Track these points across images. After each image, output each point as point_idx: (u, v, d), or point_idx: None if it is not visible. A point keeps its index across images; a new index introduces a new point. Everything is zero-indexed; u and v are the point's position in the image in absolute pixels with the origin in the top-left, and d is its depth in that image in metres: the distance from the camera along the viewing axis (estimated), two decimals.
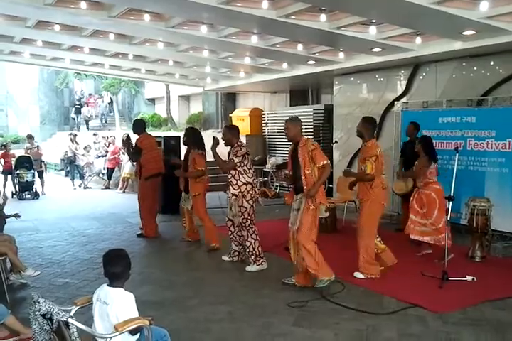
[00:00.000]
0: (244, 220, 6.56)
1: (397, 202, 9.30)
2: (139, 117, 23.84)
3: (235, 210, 6.66)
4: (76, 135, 17.87)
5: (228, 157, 6.74)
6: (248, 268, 6.56)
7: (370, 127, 6.19)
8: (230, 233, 6.94)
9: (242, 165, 6.55)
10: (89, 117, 26.84)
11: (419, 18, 6.95)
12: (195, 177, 7.66)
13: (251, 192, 6.56)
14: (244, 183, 6.54)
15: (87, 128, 26.13)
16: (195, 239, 8.25)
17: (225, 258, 7.03)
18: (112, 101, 27.83)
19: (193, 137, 7.90)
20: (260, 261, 6.57)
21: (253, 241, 6.57)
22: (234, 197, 6.59)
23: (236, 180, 6.55)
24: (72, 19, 8.23)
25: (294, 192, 5.75)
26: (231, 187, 6.59)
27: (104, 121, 27.84)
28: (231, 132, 6.80)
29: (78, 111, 26.87)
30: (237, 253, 6.99)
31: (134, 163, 9.30)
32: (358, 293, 5.55)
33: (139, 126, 8.86)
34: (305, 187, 5.48)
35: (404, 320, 4.84)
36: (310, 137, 10.12)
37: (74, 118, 27.36)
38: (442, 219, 6.54)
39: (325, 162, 5.47)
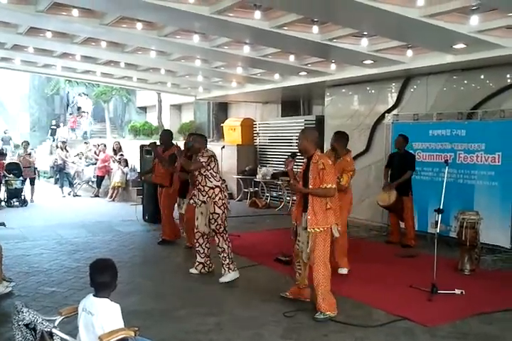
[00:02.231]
0: (218, 226, 6.38)
1: (386, 214, 9.30)
2: (132, 126, 23.78)
3: (204, 219, 6.46)
4: (65, 142, 17.81)
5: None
6: (223, 280, 6.37)
7: (344, 142, 6.63)
8: (197, 245, 6.72)
9: (209, 168, 6.39)
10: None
11: (410, 30, 7.02)
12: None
13: (220, 196, 6.39)
14: (211, 188, 6.38)
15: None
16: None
17: (192, 271, 6.84)
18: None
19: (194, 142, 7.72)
20: (233, 268, 6.43)
21: (226, 247, 6.43)
22: (202, 205, 6.42)
23: (203, 186, 6.39)
24: (64, 26, 8.24)
25: (301, 208, 5.34)
26: (199, 194, 6.41)
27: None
28: (201, 141, 6.65)
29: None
30: (201, 265, 6.78)
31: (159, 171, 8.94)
32: (347, 304, 5.51)
33: (170, 137, 8.91)
34: (310, 207, 5.11)
35: (392, 333, 4.81)
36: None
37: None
38: None
39: (329, 186, 5.05)
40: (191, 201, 6.66)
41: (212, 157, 6.48)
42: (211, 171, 6.43)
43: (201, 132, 19.79)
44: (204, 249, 6.73)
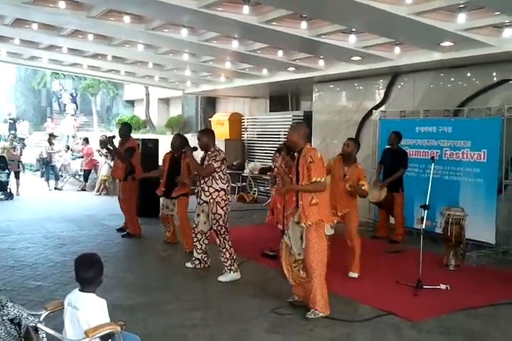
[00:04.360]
0: (219, 228, 6.29)
1: (373, 209, 9.35)
2: (119, 119, 23.57)
3: (204, 217, 6.44)
4: (53, 135, 17.62)
5: (202, 162, 6.48)
6: (221, 279, 6.29)
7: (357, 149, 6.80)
8: (195, 240, 6.70)
9: (218, 170, 6.30)
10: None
11: (398, 28, 7.04)
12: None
13: (224, 197, 6.31)
14: (216, 190, 6.28)
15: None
16: (173, 240, 8.24)
17: (188, 265, 6.87)
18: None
19: (181, 143, 7.68)
20: (235, 269, 6.35)
21: (229, 247, 6.34)
22: (204, 204, 6.36)
23: (208, 186, 6.29)
24: (51, 18, 8.13)
25: (295, 204, 5.16)
26: (202, 194, 6.35)
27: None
28: (207, 136, 6.55)
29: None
30: (197, 261, 6.78)
31: (112, 165, 9.11)
32: (333, 299, 5.51)
33: (128, 130, 8.96)
34: (300, 202, 5.01)
35: (378, 328, 4.85)
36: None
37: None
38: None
39: (317, 179, 4.90)
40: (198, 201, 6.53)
41: (224, 160, 6.40)
42: (220, 173, 6.31)
43: (189, 126, 19.78)
44: (202, 245, 6.70)
